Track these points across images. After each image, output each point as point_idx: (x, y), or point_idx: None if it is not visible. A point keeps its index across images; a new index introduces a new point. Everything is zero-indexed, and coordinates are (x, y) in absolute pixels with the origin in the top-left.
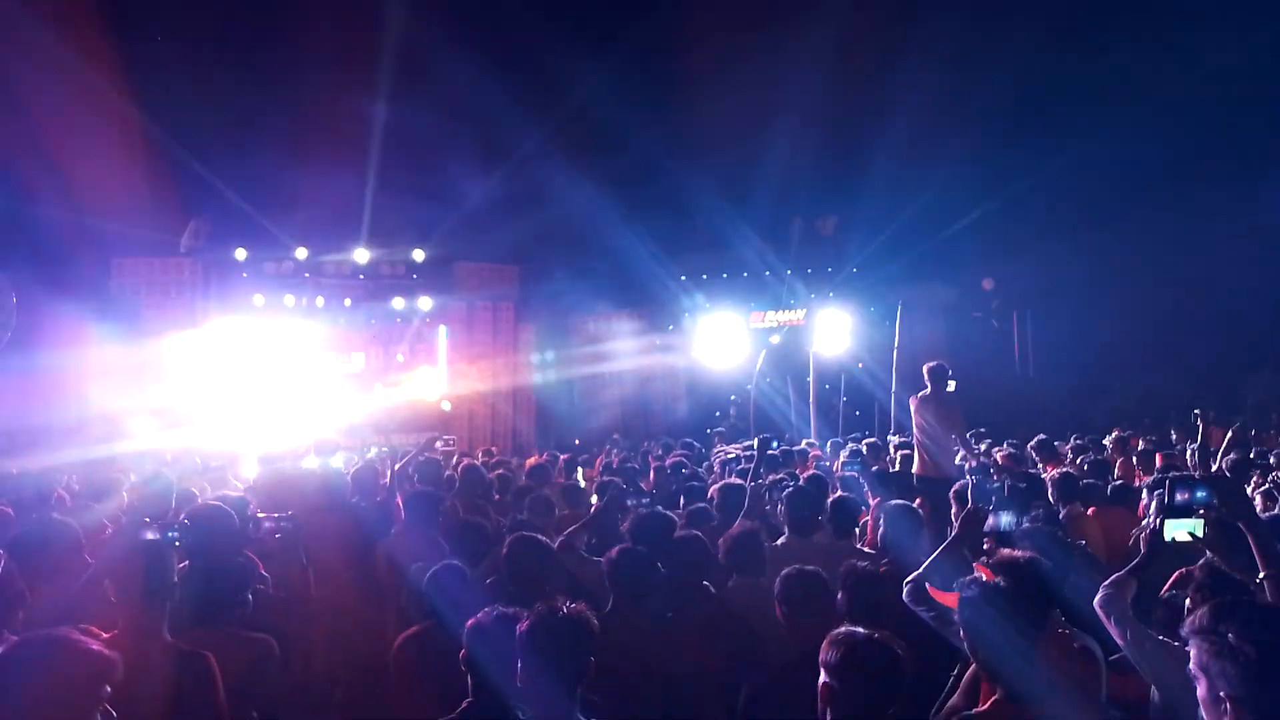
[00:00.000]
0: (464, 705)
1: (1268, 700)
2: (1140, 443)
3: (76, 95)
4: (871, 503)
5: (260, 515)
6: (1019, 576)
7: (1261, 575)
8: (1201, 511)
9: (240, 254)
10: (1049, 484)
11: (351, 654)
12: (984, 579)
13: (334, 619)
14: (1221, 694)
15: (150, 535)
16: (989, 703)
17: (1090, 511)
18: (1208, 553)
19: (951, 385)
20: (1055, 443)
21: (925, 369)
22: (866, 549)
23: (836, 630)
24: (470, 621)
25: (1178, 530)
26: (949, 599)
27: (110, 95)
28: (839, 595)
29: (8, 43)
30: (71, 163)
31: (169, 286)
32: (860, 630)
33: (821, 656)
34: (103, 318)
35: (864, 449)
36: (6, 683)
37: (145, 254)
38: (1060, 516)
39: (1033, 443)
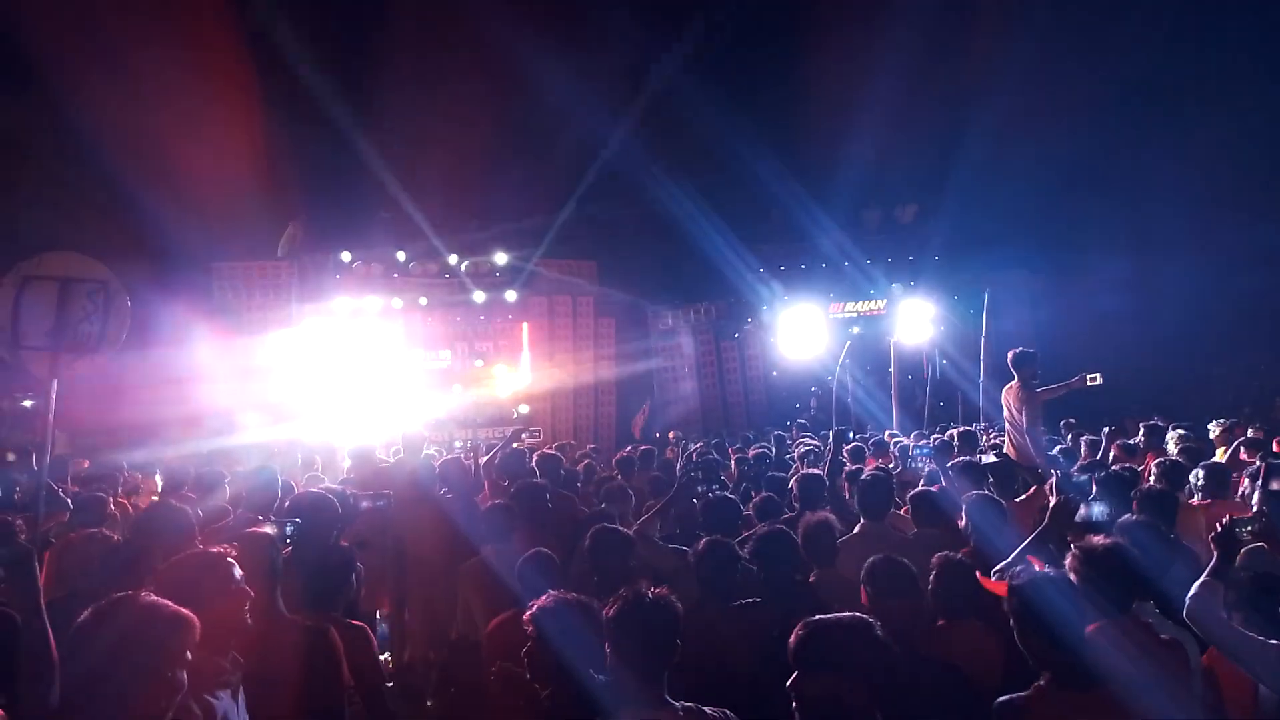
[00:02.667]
0: (548, 692)
1: None
2: (1250, 430)
3: (189, 98)
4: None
5: (358, 494)
6: (1093, 564)
7: None
8: None
9: (345, 256)
10: (1153, 475)
11: (445, 640)
12: (1034, 568)
13: (426, 606)
14: None
15: (269, 529)
16: (1033, 688)
17: (1198, 503)
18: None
19: (1097, 378)
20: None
21: (1009, 357)
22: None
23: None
24: (532, 610)
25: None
26: (1000, 588)
27: (226, 101)
28: (931, 586)
29: (132, 50)
30: (181, 167)
31: (267, 289)
32: (823, 617)
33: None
34: (206, 319)
35: (955, 438)
36: (94, 640)
37: (243, 258)
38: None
39: (1141, 429)
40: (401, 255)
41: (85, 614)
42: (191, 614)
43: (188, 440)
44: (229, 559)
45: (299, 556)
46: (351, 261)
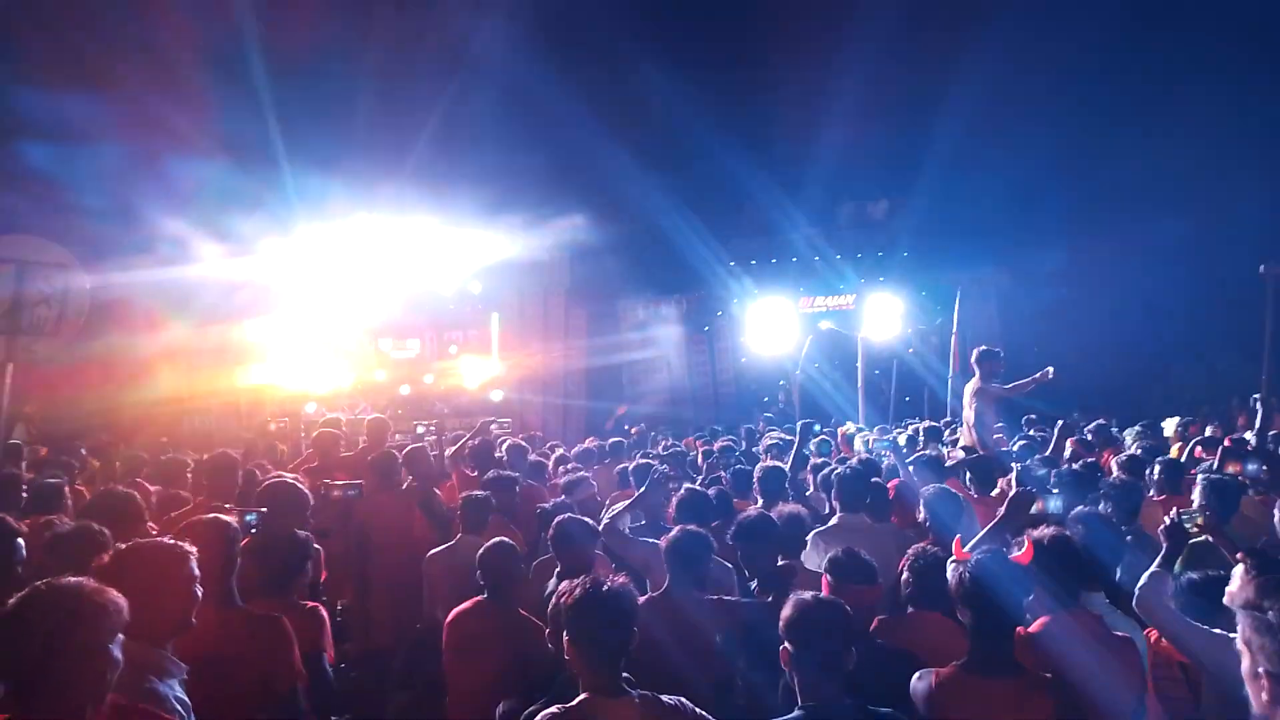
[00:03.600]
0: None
1: None
2: (1207, 429)
3: (156, 77)
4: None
5: (328, 484)
6: (1040, 554)
7: None
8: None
9: (301, 243)
10: (1114, 469)
11: (410, 627)
12: (995, 550)
13: (390, 592)
14: (1261, 669)
15: (231, 520)
16: (950, 666)
17: (1155, 497)
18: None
19: (1049, 373)
20: (1113, 429)
21: (973, 354)
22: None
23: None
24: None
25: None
26: None
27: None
28: (903, 576)
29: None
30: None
31: (234, 275)
32: (810, 594)
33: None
34: (172, 305)
35: (920, 433)
36: (27, 628)
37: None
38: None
39: (1090, 427)
40: (366, 241)
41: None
42: (117, 597)
43: (150, 427)
44: (183, 554)
45: (261, 545)
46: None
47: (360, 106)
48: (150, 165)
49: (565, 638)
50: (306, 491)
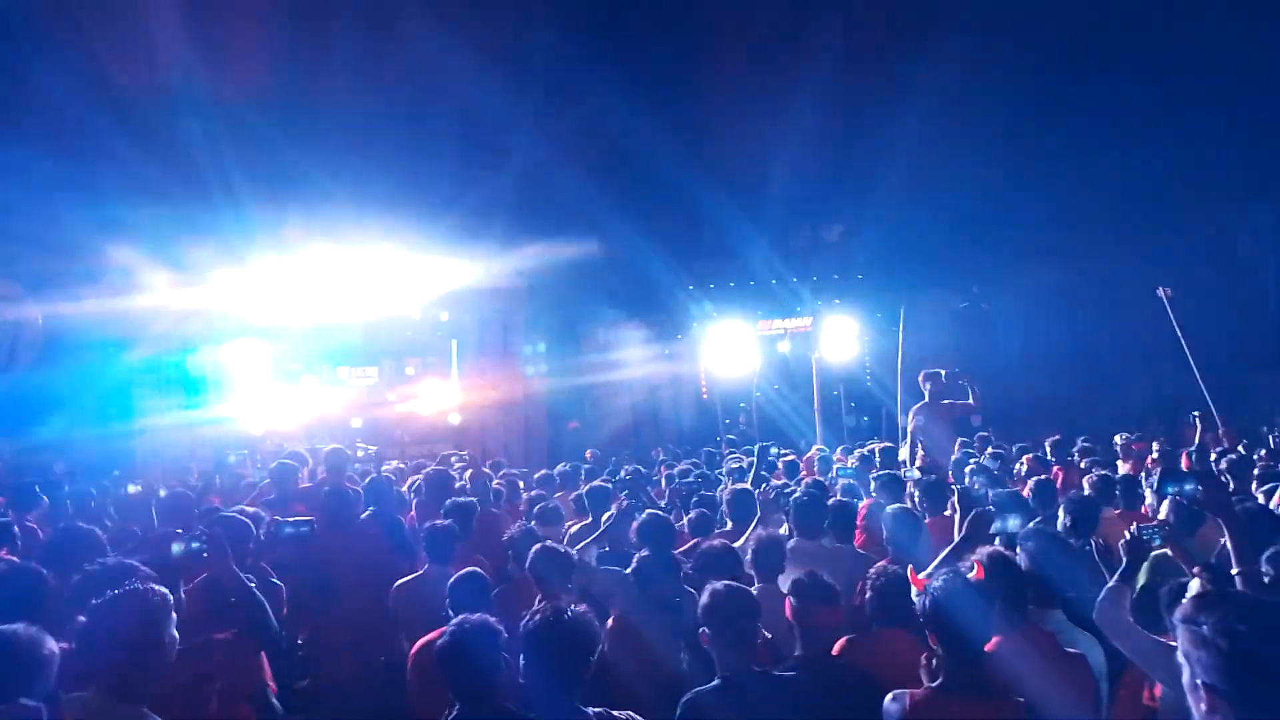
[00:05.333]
0: (454, 711)
1: (1238, 690)
2: (1156, 445)
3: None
4: (864, 503)
5: (280, 520)
6: (988, 573)
7: (1235, 571)
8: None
9: (256, 268)
10: (1087, 488)
11: (372, 662)
12: (957, 572)
13: (352, 625)
14: (1199, 681)
15: (177, 546)
16: (923, 688)
17: (1116, 513)
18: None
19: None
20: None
21: (920, 377)
22: (860, 550)
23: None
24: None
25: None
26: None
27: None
28: (866, 595)
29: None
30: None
31: (186, 303)
32: (722, 584)
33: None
34: (124, 335)
35: (876, 453)
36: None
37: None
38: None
39: (1048, 443)
40: (321, 265)
41: None
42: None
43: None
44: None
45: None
46: (275, 274)
47: (315, 134)
48: (100, 196)
49: (521, 660)
50: (250, 524)
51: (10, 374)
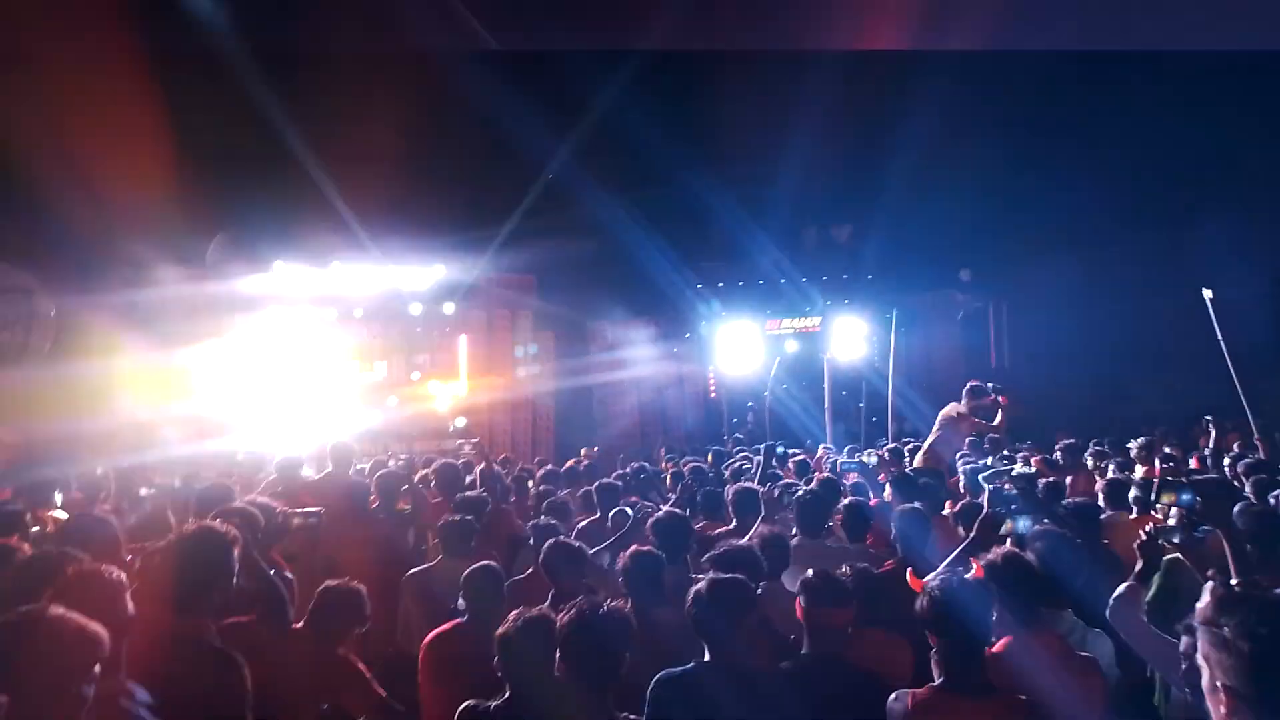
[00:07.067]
0: (503, 699)
1: (1259, 693)
2: (1166, 449)
3: (109, 105)
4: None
5: (289, 511)
6: (993, 576)
7: (1234, 582)
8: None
9: (275, 267)
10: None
11: (382, 651)
12: (955, 571)
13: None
14: (1219, 684)
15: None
16: (926, 688)
17: (1134, 518)
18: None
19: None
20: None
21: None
22: (869, 549)
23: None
24: (501, 629)
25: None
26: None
27: (144, 107)
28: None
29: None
30: (104, 176)
31: (196, 299)
32: (713, 576)
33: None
34: (134, 329)
35: (886, 454)
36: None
37: (174, 266)
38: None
39: (1060, 446)
40: (333, 265)
41: None
42: (99, 630)
43: (107, 455)
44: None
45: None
46: (285, 272)
47: (326, 135)
48: (114, 191)
49: (558, 658)
50: (260, 515)
51: (25, 365)
